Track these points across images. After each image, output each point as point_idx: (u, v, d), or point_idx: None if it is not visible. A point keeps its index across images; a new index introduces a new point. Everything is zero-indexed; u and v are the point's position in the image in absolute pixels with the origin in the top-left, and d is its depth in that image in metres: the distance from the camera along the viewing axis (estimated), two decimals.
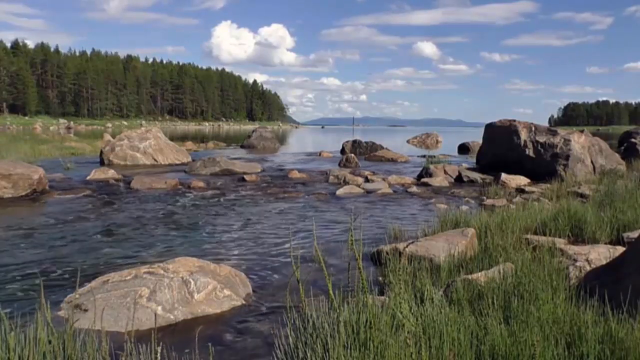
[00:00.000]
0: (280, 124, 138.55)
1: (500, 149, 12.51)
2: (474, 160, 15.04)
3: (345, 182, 10.71)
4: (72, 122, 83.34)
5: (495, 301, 3.02)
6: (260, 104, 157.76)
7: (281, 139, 41.66)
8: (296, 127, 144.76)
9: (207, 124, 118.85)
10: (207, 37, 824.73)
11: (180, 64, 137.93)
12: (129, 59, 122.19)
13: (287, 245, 5.45)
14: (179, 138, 31.24)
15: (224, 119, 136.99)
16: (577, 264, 3.96)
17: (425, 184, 10.80)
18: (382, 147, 20.43)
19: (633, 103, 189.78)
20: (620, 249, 4.12)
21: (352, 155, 16.15)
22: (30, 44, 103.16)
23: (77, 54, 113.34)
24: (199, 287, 3.65)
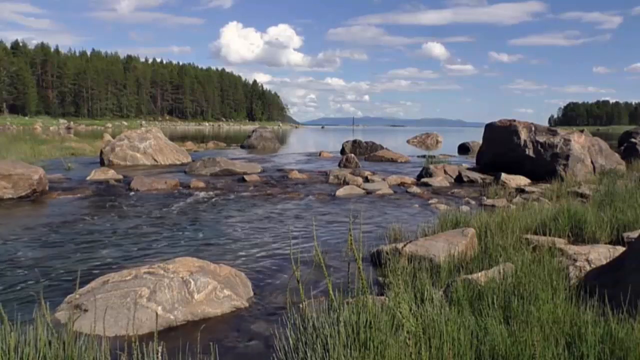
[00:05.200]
0: (280, 124, 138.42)
1: (500, 149, 12.51)
2: (474, 160, 15.04)
3: (346, 183, 10.71)
4: (72, 122, 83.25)
5: (495, 301, 3.02)
6: (260, 104, 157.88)
7: (281, 139, 41.64)
8: (296, 127, 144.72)
9: (207, 124, 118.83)
10: (213, 37, 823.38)
11: (180, 64, 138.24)
12: (129, 59, 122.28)
13: (287, 246, 5.45)
14: (179, 138, 31.24)
15: (224, 119, 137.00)
16: (577, 264, 3.96)
17: (425, 184, 10.80)
18: (382, 147, 20.42)
19: (633, 103, 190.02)
20: (620, 249, 4.12)
21: (352, 155, 16.13)
22: (36, 43, 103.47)
23: (77, 54, 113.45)
24: (199, 287, 3.65)
